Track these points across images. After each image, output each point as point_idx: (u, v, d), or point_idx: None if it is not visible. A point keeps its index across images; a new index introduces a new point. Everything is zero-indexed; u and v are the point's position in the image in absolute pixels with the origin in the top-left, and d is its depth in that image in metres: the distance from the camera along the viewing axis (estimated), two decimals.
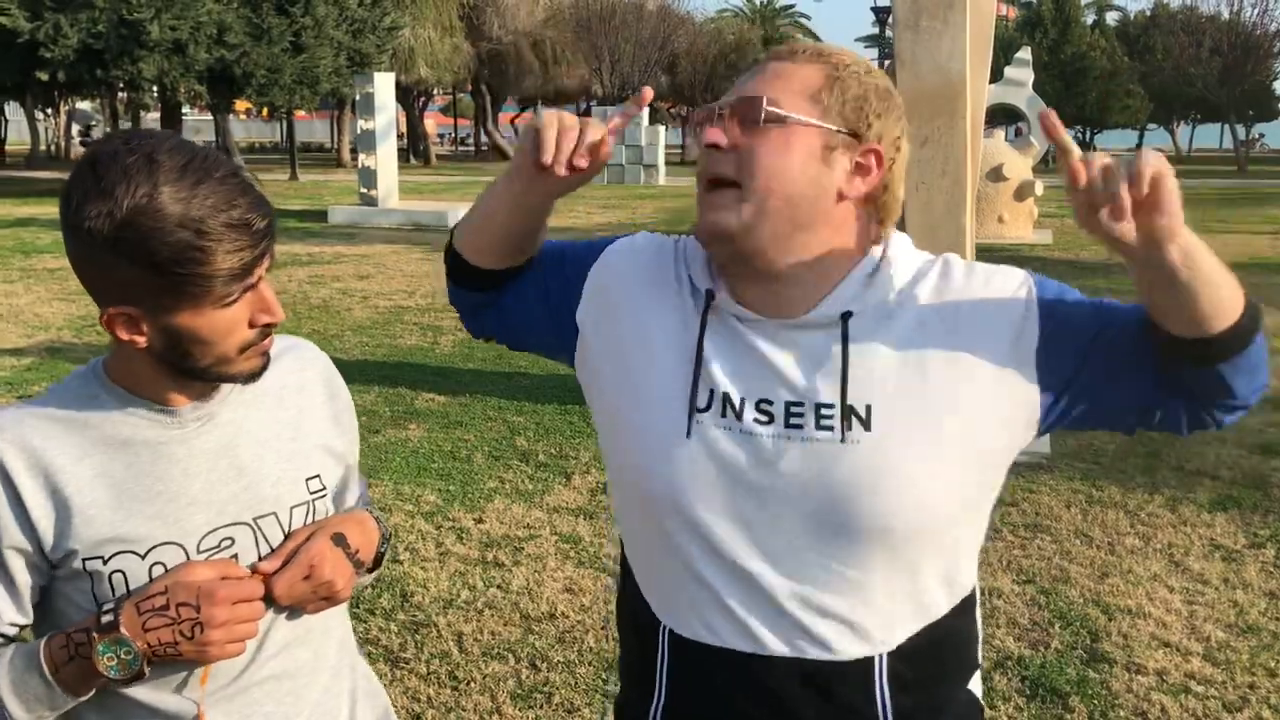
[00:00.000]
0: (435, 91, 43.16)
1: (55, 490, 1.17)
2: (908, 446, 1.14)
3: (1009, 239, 14.73)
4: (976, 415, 1.16)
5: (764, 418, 1.18)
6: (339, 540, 1.27)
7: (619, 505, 1.33)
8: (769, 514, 1.17)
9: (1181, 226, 1.01)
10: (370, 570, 1.37)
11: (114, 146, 1.11)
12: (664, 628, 1.25)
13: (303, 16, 21.73)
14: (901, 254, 1.22)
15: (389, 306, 9.81)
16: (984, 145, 6.89)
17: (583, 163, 1.16)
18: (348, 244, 14.46)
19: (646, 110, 27.98)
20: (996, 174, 14.39)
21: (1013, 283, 1.20)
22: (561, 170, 1.17)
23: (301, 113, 31.16)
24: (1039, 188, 14.77)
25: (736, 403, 1.19)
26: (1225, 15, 39.66)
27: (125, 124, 31.36)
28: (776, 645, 1.18)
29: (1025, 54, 17.19)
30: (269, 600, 1.22)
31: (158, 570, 1.20)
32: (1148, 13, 45.49)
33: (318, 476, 1.33)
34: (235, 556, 1.24)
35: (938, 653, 1.22)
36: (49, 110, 37.25)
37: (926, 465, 1.14)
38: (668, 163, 28.93)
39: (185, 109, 29.12)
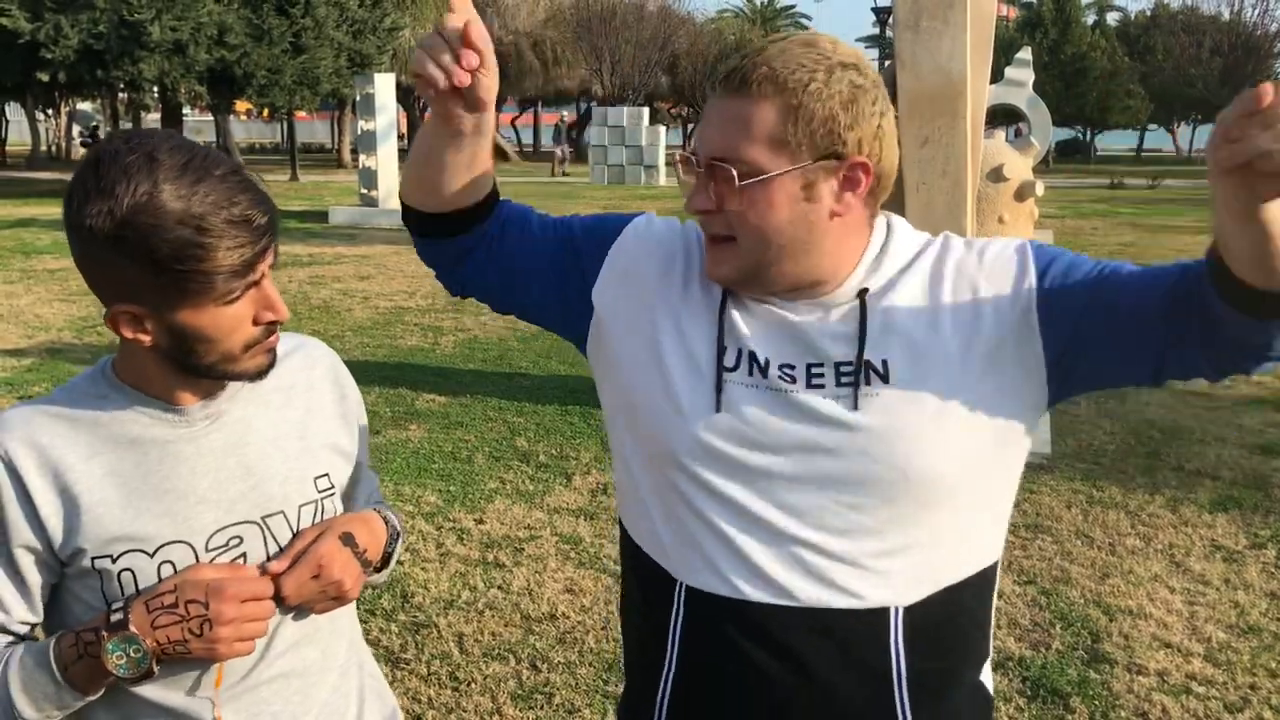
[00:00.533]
0: None
1: (64, 489, 1.18)
2: (924, 399, 1.19)
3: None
4: (987, 370, 1.21)
5: (787, 377, 1.22)
6: (347, 540, 1.28)
7: (630, 472, 1.33)
8: (791, 466, 1.21)
9: None
10: (381, 568, 1.38)
11: (115, 146, 1.12)
12: (680, 584, 1.26)
13: (303, 17, 21.75)
14: (903, 232, 1.29)
15: (389, 307, 9.82)
16: (984, 146, 6.89)
17: (472, 59, 1.11)
18: (348, 245, 14.47)
19: (647, 110, 28.09)
20: (997, 174, 14.35)
21: (1011, 247, 1.26)
22: (463, 79, 1.12)
23: (302, 113, 31.09)
24: (1039, 188, 14.73)
25: (762, 361, 1.23)
26: (1226, 15, 39.74)
27: (126, 125, 31.36)
28: (796, 591, 1.20)
29: (1026, 54, 17.15)
30: (277, 599, 1.23)
31: (166, 569, 1.20)
32: (1148, 13, 45.51)
33: (326, 475, 1.34)
34: (244, 555, 1.25)
35: (952, 625, 1.25)
36: (50, 111, 37.20)
37: (942, 418, 1.19)
38: (668, 163, 28.92)
39: (186, 110, 29.13)
